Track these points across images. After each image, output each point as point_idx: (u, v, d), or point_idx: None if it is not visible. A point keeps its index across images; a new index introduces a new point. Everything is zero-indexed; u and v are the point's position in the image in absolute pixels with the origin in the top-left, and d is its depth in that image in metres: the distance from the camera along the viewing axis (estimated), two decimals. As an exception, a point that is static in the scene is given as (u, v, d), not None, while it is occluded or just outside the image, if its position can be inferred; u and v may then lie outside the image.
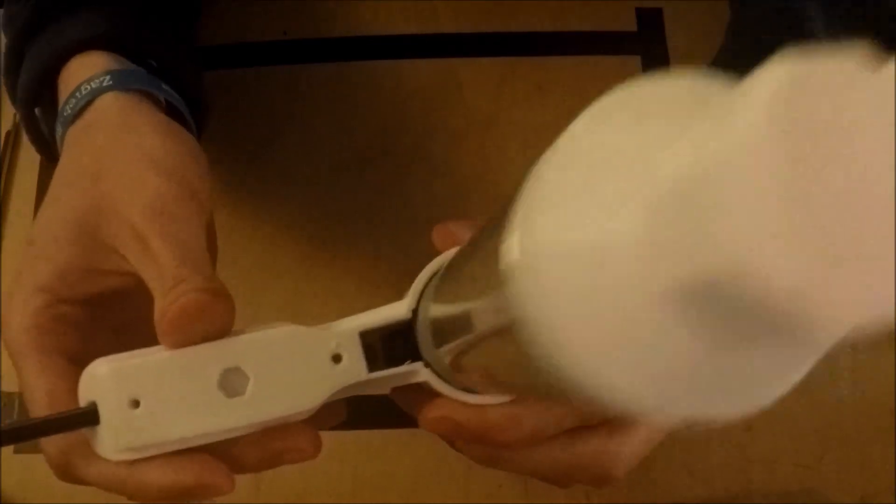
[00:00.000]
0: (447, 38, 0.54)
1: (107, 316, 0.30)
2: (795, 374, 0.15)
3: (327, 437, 0.47)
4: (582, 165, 0.14)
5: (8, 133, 0.51)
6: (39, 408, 0.27)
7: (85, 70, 0.33)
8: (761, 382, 0.15)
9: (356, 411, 0.48)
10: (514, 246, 0.14)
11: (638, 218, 0.12)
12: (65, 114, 0.33)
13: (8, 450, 0.45)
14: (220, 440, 0.26)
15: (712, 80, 0.14)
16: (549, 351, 0.14)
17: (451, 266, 0.25)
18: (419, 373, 0.27)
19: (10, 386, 0.47)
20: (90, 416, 0.25)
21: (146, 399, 0.25)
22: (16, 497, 0.45)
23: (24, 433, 0.26)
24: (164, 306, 0.25)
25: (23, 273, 0.29)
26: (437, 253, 0.29)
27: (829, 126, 0.11)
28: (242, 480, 0.45)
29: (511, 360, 0.18)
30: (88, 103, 0.33)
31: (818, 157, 0.10)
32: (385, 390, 0.29)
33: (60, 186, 0.31)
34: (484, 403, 0.26)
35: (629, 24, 0.54)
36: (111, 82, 0.32)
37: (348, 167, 0.51)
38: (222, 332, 0.26)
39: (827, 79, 0.11)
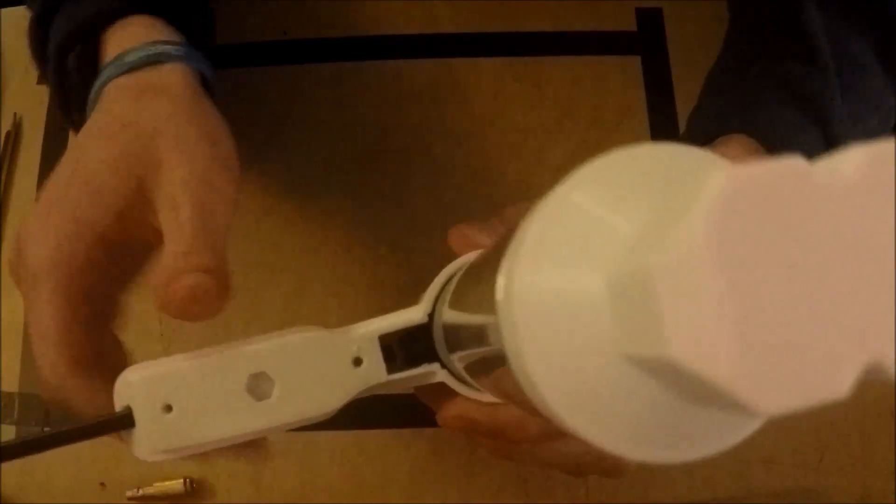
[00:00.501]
0: (447, 38, 0.54)
1: (124, 263, 0.31)
2: (751, 426, 0.16)
3: (327, 437, 0.47)
4: (562, 223, 0.15)
5: (8, 133, 0.51)
6: (44, 335, 0.27)
7: (147, 31, 0.34)
8: (721, 431, 0.16)
9: (356, 411, 0.48)
10: (500, 289, 0.16)
11: (602, 289, 0.14)
12: (125, 60, 0.33)
13: (8, 450, 0.45)
14: (247, 440, 0.28)
15: (692, 152, 0.15)
16: (528, 392, 0.15)
17: (463, 279, 0.26)
18: (436, 374, 0.28)
19: (10, 386, 0.47)
20: (126, 421, 0.27)
21: (178, 404, 0.26)
22: (16, 497, 0.45)
23: (63, 438, 0.27)
24: (171, 277, 0.27)
25: (61, 195, 0.29)
26: (442, 253, 0.29)
27: (768, 225, 0.12)
28: (243, 480, 0.45)
29: (510, 381, 0.19)
30: (154, 63, 0.33)
31: (755, 255, 0.12)
32: (404, 390, 0.30)
33: (117, 126, 0.31)
34: (497, 402, 0.28)
35: (629, 24, 0.54)
36: (182, 53, 0.33)
37: (348, 167, 0.51)
38: (209, 316, 0.27)
39: (766, 181, 0.12)
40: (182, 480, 0.44)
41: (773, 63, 0.41)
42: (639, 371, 0.14)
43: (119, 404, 0.27)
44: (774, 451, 0.46)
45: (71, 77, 0.36)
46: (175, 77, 0.32)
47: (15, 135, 0.51)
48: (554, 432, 0.28)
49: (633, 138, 0.55)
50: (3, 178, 0.50)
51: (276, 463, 0.45)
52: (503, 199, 0.50)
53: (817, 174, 0.12)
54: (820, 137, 0.38)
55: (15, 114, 0.52)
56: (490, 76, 0.53)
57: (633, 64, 0.53)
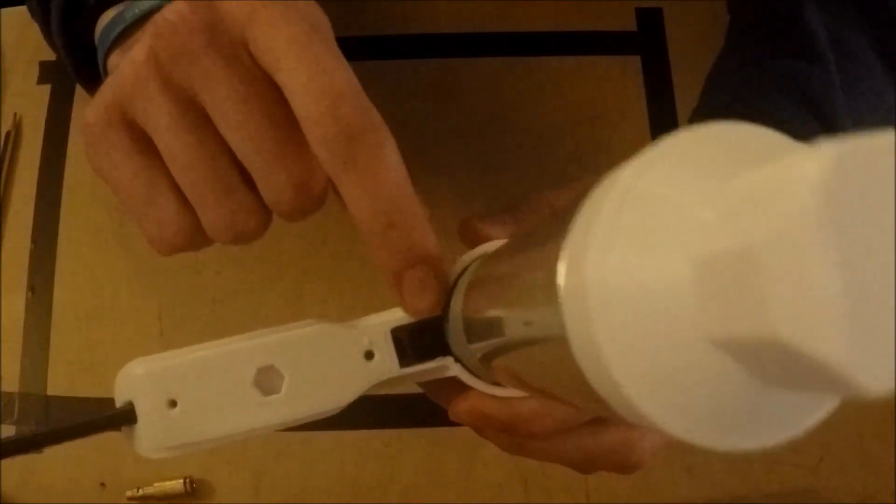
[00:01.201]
0: (447, 38, 0.54)
1: None
2: (833, 402, 0.16)
3: (327, 437, 0.47)
4: (632, 210, 0.14)
5: (8, 133, 0.51)
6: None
7: None
8: (803, 413, 0.16)
9: (356, 411, 0.48)
10: (564, 274, 0.15)
11: (688, 271, 0.13)
12: (124, 16, 0.29)
13: (8, 450, 0.45)
14: (255, 436, 0.27)
15: (757, 130, 0.15)
16: (596, 378, 0.15)
17: (489, 270, 0.25)
18: (449, 368, 0.27)
19: (9, 386, 0.47)
20: (128, 416, 0.26)
21: (183, 399, 0.25)
22: (16, 497, 0.45)
23: (64, 435, 0.26)
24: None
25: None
26: (444, 251, 0.29)
27: (872, 203, 0.11)
28: (243, 480, 0.45)
29: (550, 372, 0.18)
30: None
31: (861, 233, 0.11)
32: (416, 384, 0.29)
33: None
34: (511, 396, 0.27)
35: (629, 24, 0.54)
36: None
37: (348, 167, 0.51)
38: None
39: (870, 157, 0.12)
40: (182, 480, 0.44)
41: (775, 60, 0.41)
42: (721, 356, 0.13)
43: (120, 399, 0.26)
44: (774, 451, 0.46)
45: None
46: None
47: (15, 135, 0.51)
48: (569, 427, 0.28)
49: (633, 138, 0.56)
50: (3, 178, 0.50)
51: (276, 463, 0.45)
52: (503, 199, 0.50)
53: None
54: (822, 134, 0.38)
55: (15, 114, 0.52)
56: (490, 76, 0.53)
57: (633, 64, 0.53)
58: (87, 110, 0.26)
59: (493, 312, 0.22)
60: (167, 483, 0.44)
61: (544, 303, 0.16)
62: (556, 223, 0.16)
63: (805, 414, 0.15)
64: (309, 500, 0.45)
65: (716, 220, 0.13)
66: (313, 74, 0.23)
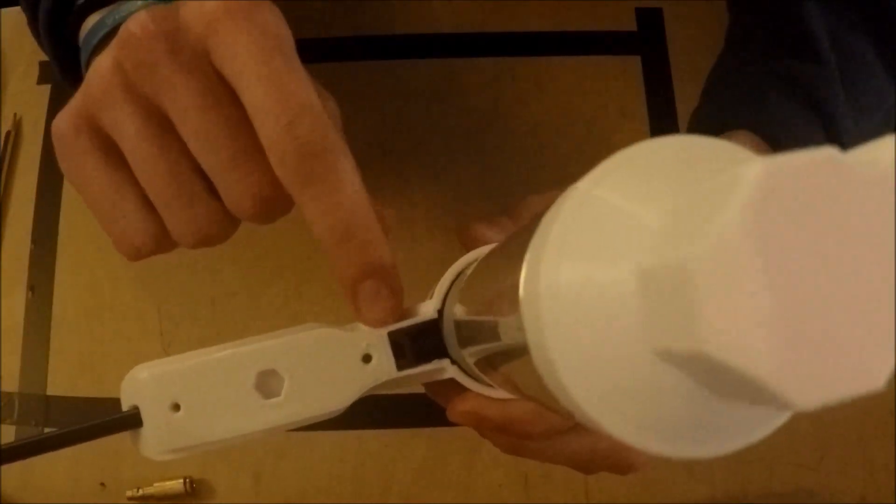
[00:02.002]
0: (447, 38, 0.54)
1: None
2: (778, 420, 0.16)
3: (327, 437, 0.47)
4: (587, 219, 0.15)
5: (8, 133, 0.51)
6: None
7: None
8: (754, 422, 0.16)
9: (356, 411, 0.48)
10: (523, 284, 0.16)
11: (631, 281, 0.13)
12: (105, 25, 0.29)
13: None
14: (256, 438, 0.27)
15: (714, 143, 0.15)
16: (552, 386, 0.15)
17: (476, 274, 0.26)
18: (446, 370, 0.28)
19: (9, 386, 0.47)
20: (133, 420, 0.26)
21: (186, 403, 0.26)
22: (16, 497, 0.45)
23: (69, 438, 0.26)
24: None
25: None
26: (442, 252, 0.29)
27: (804, 217, 0.12)
28: (243, 480, 0.45)
29: (525, 377, 0.19)
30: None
31: (792, 247, 0.12)
32: (415, 386, 0.30)
33: None
34: (508, 398, 0.28)
35: (629, 24, 0.54)
36: None
37: (348, 167, 0.51)
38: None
39: (801, 172, 0.12)
40: (182, 480, 0.44)
41: (775, 60, 0.41)
42: (668, 366, 0.14)
43: (126, 403, 0.27)
44: (774, 451, 0.46)
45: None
46: None
47: (15, 135, 0.51)
48: (564, 428, 0.28)
49: (633, 138, 0.55)
50: (3, 178, 0.50)
51: (276, 463, 0.45)
52: (503, 199, 0.50)
53: (852, 164, 0.12)
54: (822, 134, 0.38)
55: (15, 114, 0.52)
56: (490, 76, 0.53)
57: (633, 64, 0.53)
58: (57, 118, 0.27)
59: (476, 318, 0.23)
60: (167, 483, 0.44)
61: (512, 311, 0.16)
62: (528, 231, 0.17)
63: (757, 423, 0.16)
64: (309, 500, 0.45)
65: (661, 233, 0.13)
66: (272, 92, 0.23)
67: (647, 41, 0.54)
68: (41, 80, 0.53)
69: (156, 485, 0.44)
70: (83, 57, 0.31)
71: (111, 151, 0.26)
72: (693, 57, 0.53)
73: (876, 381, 0.12)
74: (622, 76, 0.53)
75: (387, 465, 0.45)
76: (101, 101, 0.25)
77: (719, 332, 0.11)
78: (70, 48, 0.33)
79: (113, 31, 0.29)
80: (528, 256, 0.16)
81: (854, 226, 0.12)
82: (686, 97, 0.52)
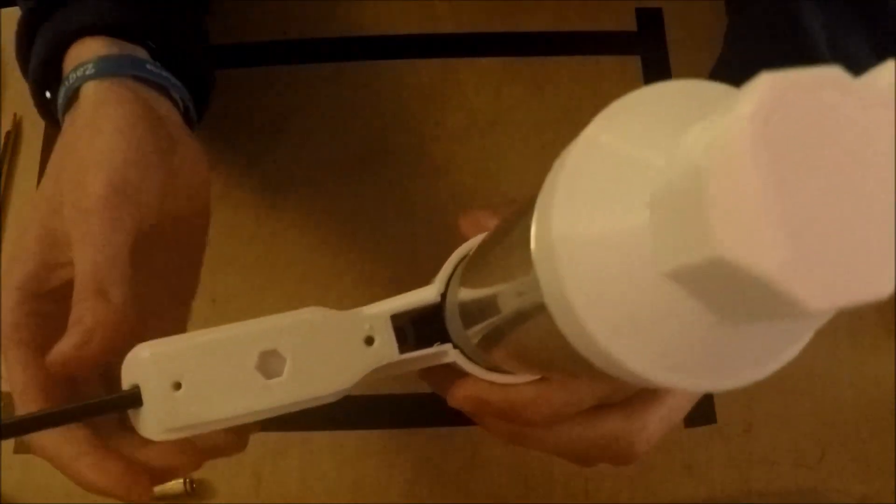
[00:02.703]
0: (447, 38, 0.54)
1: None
2: (796, 344, 0.16)
3: (327, 437, 0.47)
4: (594, 165, 0.15)
5: (8, 133, 0.51)
6: (20, 398, 0.29)
7: (81, 55, 0.34)
8: (765, 353, 0.16)
9: (356, 411, 0.48)
10: (535, 235, 0.16)
11: (642, 212, 0.14)
12: (58, 102, 0.34)
13: (8, 450, 0.45)
14: (256, 420, 0.27)
15: (714, 86, 0.16)
16: (570, 331, 0.15)
17: (479, 252, 0.26)
18: (448, 354, 0.28)
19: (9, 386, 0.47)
20: (133, 399, 0.26)
21: (188, 381, 0.26)
22: (16, 497, 0.45)
23: (69, 415, 0.26)
24: (64, 344, 0.28)
25: (4, 272, 0.31)
26: (442, 251, 0.29)
27: (809, 130, 0.12)
28: (243, 480, 0.45)
29: (537, 339, 0.19)
30: (76, 92, 0.33)
31: (799, 157, 0.12)
32: (415, 370, 0.30)
33: (46, 179, 0.32)
34: (509, 383, 0.28)
35: (629, 24, 0.54)
36: (93, 70, 0.33)
37: (348, 167, 0.51)
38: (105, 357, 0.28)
39: (807, 87, 0.12)
40: (182, 480, 0.44)
41: (772, 63, 0.41)
42: (681, 293, 0.14)
43: (127, 382, 0.27)
44: (774, 451, 0.46)
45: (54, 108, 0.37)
46: (81, 103, 0.33)
47: (15, 135, 0.51)
48: (565, 415, 0.28)
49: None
50: (3, 178, 0.50)
51: (276, 463, 0.45)
52: (503, 199, 0.50)
53: (856, 84, 0.13)
54: None
55: (15, 114, 0.52)
56: (490, 76, 0.53)
57: (633, 64, 0.53)
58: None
59: (482, 292, 0.23)
60: (167, 483, 0.44)
61: (523, 266, 0.17)
62: (530, 200, 0.17)
63: (769, 354, 0.16)
64: (309, 500, 0.45)
65: (668, 165, 0.14)
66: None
67: (647, 41, 0.54)
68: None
69: (156, 485, 0.44)
70: (61, 103, 0.35)
71: None
72: (693, 57, 0.53)
73: (884, 287, 0.12)
74: (622, 76, 0.53)
75: (387, 465, 0.45)
76: None
77: (731, 236, 0.12)
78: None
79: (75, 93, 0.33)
80: (536, 213, 0.16)
81: (857, 140, 0.12)
82: (686, 97, 0.52)
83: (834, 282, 0.12)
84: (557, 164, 0.16)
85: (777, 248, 0.12)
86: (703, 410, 0.46)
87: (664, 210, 0.13)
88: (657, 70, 0.53)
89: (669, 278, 0.14)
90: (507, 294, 0.20)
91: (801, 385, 0.47)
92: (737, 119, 0.12)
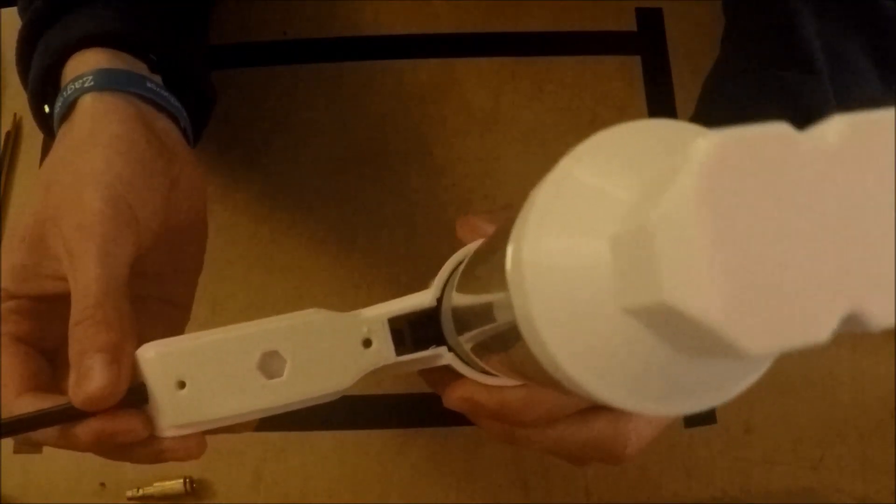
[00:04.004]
0: (447, 38, 0.54)
1: (63, 309, 0.31)
2: (754, 373, 0.17)
3: (327, 437, 0.47)
4: (566, 196, 0.16)
5: (8, 133, 0.51)
6: (4, 391, 0.29)
7: (80, 67, 0.34)
8: (723, 380, 0.17)
9: (356, 411, 0.48)
10: (509, 258, 0.17)
11: (605, 249, 0.15)
12: (55, 113, 0.34)
13: (8, 450, 0.45)
14: (257, 417, 0.28)
15: (686, 127, 0.17)
16: (538, 353, 0.16)
17: (471, 261, 0.27)
18: (443, 356, 0.29)
19: None
20: (140, 396, 0.27)
21: (191, 380, 0.27)
22: (16, 497, 0.45)
23: (76, 413, 0.27)
24: (73, 373, 0.27)
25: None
26: (442, 251, 0.30)
27: (755, 185, 0.13)
28: (243, 480, 0.45)
29: (516, 353, 0.20)
30: (73, 103, 0.33)
31: (743, 211, 0.13)
32: (412, 372, 0.31)
33: (35, 187, 0.32)
34: (503, 385, 0.28)
35: (629, 24, 0.54)
36: (92, 83, 0.32)
37: (348, 167, 0.51)
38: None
39: (754, 144, 0.13)
40: (182, 480, 0.44)
41: (768, 71, 0.41)
42: (639, 325, 0.15)
43: (133, 381, 0.28)
44: (774, 451, 0.46)
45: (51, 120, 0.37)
46: (77, 116, 0.33)
47: (15, 135, 0.51)
48: (556, 416, 0.29)
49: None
50: (3, 178, 0.50)
51: (276, 463, 0.45)
52: (503, 199, 0.50)
53: (802, 139, 0.13)
54: None
55: (15, 114, 0.52)
56: (490, 76, 0.53)
57: (633, 64, 0.53)
58: None
59: (472, 302, 0.24)
60: (167, 483, 0.44)
61: (502, 288, 0.18)
62: (514, 217, 0.18)
63: (727, 382, 0.17)
64: (309, 500, 0.45)
65: (631, 204, 0.15)
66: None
67: (647, 41, 0.54)
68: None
69: (156, 485, 0.44)
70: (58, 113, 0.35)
71: None
72: (693, 57, 0.53)
73: (821, 333, 0.13)
74: (622, 76, 0.53)
75: (387, 465, 0.45)
76: None
77: (676, 285, 0.13)
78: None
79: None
80: (513, 233, 0.17)
81: (802, 195, 0.13)
82: (686, 97, 0.52)
83: (771, 327, 0.13)
84: (534, 190, 0.17)
85: (717, 297, 0.12)
86: (703, 410, 0.46)
87: (622, 252, 0.14)
88: (657, 70, 0.53)
89: (628, 312, 0.15)
90: (491, 307, 0.20)
91: (801, 385, 0.47)
92: (684, 176, 0.13)
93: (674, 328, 0.14)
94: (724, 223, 0.13)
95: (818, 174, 0.13)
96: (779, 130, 0.13)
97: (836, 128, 0.13)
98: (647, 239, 0.13)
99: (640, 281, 0.13)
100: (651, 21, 0.54)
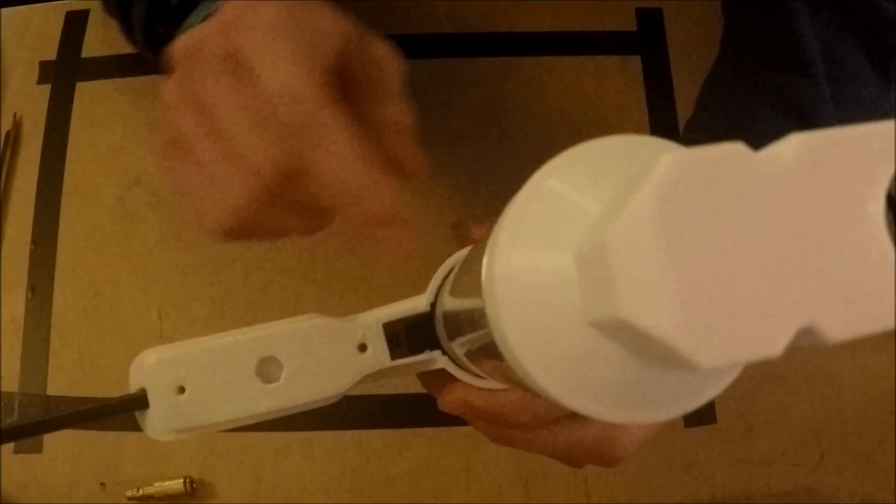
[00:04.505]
0: (447, 38, 0.54)
1: None
2: (723, 380, 0.17)
3: (327, 437, 0.47)
4: (536, 209, 0.17)
5: (8, 133, 0.51)
6: (352, 157, 0.27)
7: None
8: (694, 387, 0.17)
9: (356, 411, 0.48)
10: (485, 268, 0.17)
11: (570, 263, 0.15)
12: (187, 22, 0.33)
13: (8, 450, 0.45)
14: (255, 422, 0.29)
15: (661, 145, 0.17)
16: (510, 360, 0.17)
17: (460, 269, 0.27)
18: (437, 360, 0.29)
19: (10, 386, 0.47)
20: (141, 402, 0.28)
21: (191, 385, 0.28)
22: (16, 497, 0.45)
23: (79, 417, 0.27)
24: None
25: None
26: (442, 252, 0.30)
27: (710, 203, 0.13)
28: (243, 480, 0.45)
29: (497, 359, 0.20)
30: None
31: (698, 229, 0.13)
32: (408, 375, 0.31)
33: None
34: (496, 388, 0.29)
35: (629, 24, 0.54)
36: None
37: (348, 167, 0.51)
38: None
39: (709, 163, 0.13)
40: (182, 480, 0.44)
41: (765, 73, 0.41)
42: (603, 337, 0.15)
43: (134, 386, 0.28)
44: (774, 451, 0.46)
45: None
46: None
47: (15, 135, 0.51)
48: (549, 419, 0.29)
49: (633, 138, 0.55)
50: (4, 178, 0.50)
51: (276, 463, 0.45)
52: (502, 199, 0.50)
53: (758, 158, 0.13)
54: None
55: (15, 114, 0.52)
56: (490, 76, 0.53)
57: (633, 64, 0.53)
58: (155, 141, 0.31)
59: (459, 308, 0.24)
60: (167, 483, 0.44)
61: (478, 296, 0.18)
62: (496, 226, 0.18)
63: (697, 388, 0.17)
64: (309, 500, 0.45)
65: (596, 219, 0.15)
66: (270, 84, 0.27)
67: (647, 41, 0.54)
68: (41, 80, 0.53)
69: (156, 485, 0.44)
70: None
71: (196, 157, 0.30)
72: (693, 57, 0.53)
73: (774, 347, 0.13)
74: (622, 76, 0.53)
75: (387, 465, 0.45)
76: (170, 117, 0.30)
77: (630, 300, 0.13)
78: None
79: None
80: (488, 246, 0.18)
81: (756, 212, 0.13)
82: (686, 97, 0.52)
83: (724, 341, 0.13)
84: (509, 204, 0.17)
85: (670, 312, 0.13)
86: (703, 410, 0.46)
87: (584, 267, 0.15)
88: (657, 70, 0.53)
89: (592, 324, 0.15)
90: (476, 314, 0.21)
91: (801, 385, 0.47)
92: (638, 195, 0.13)
93: (635, 341, 0.14)
94: (677, 239, 0.13)
95: (773, 192, 0.13)
96: (735, 150, 0.13)
97: (792, 146, 0.13)
98: (604, 254, 0.13)
99: (600, 295, 0.14)
100: (651, 21, 0.54)
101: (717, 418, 0.46)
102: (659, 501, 0.45)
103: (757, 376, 0.47)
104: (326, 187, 0.27)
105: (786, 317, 0.13)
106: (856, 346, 0.48)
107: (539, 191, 0.17)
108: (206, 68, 0.28)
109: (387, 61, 0.33)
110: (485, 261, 0.17)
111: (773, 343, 0.13)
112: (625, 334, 0.14)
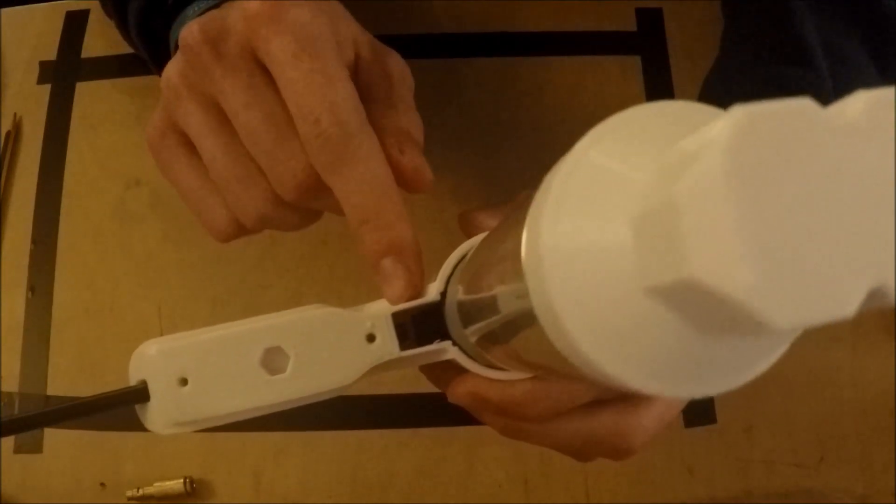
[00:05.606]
0: (447, 38, 0.54)
1: None
2: (772, 354, 0.17)
3: (327, 437, 0.47)
4: (583, 179, 0.16)
5: (8, 133, 0.51)
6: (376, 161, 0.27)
7: None
8: (743, 362, 0.17)
9: (356, 411, 0.48)
10: (525, 244, 0.17)
11: (626, 231, 0.15)
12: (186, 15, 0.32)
13: (8, 450, 0.45)
14: (260, 414, 0.28)
15: (703, 108, 0.17)
16: (557, 338, 0.16)
17: (477, 254, 0.27)
18: (447, 351, 0.28)
19: (10, 386, 0.47)
20: (141, 394, 0.27)
21: (193, 377, 0.27)
22: (16, 497, 0.45)
23: (78, 410, 0.27)
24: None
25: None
26: (442, 250, 0.30)
27: (780, 159, 0.13)
28: (243, 480, 0.45)
29: (529, 343, 0.20)
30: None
31: (770, 186, 0.13)
32: (416, 367, 0.30)
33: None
34: (507, 379, 0.28)
35: (629, 24, 0.54)
36: None
37: (348, 167, 0.51)
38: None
39: (778, 118, 0.13)
40: (182, 480, 0.44)
41: (767, 67, 0.41)
42: (661, 306, 0.15)
43: (134, 378, 0.27)
44: (774, 451, 0.46)
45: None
46: None
47: (15, 135, 0.51)
48: (561, 410, 0.29)
49: (633, 138, 0.55)
50: (3, 178, 0.50)
51: (276, 463, 0.45)
52: (503, 199, 0.50)
53: (825, 114, 0.13)
54: None
55: (15, 114, 0.52)
56: (490, 76, 0.53)
57: (633, 64, 0.53)
58: (148, 124, 0.30)
59: (479, 293, 0.24)
60: (167, 483, 0.44)
61: (515, 273, 0.17)
62: (524, 205, 0.18)
63: (746, 363, 0.17)
64: (309, 500, 0.45)
65: (651, 184, 0.15)
66: (301, 91, 0.26)
67: (647, 41, 0.54)
68: (41, 80, 0.53)
69: (156, 485, 0.44)
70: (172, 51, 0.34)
71: (193, 149, 0.29)
72: (693, 57, 0.53)
73: (847, 308, 0.13)
74: (622, 76, 0.53)
75: (387, 465, 0.45)
76: (175, 104, 0.29)
77: (704, 260, 0.13)
78: (159, 44, 0.36)
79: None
80: (528, 222, 0.17)
81: (827, 167, 0.13)
82: (686, 97, 0.52)
83: (799, 302, 0.12)
84: (549, 174, 0.17)
85: (745, 271, 0.12)
86: (703, 410, 0.46)
87: (645, 231, 0.14)
88: (657, 70, 0.53)
89: (650, 293, 0.14)
90: (501, 298, 0.20)
91: (801, 385, 0.47)
92: (710, 151, 0.13)
93: (698, 306, 0.14)
94: (751, 197, 0.13)
95: (843, 148, 0.13)
96: (803, 105, 0.13)
97: (856, 103, 0.13)
98: (673, 214, 0.13)
99: (666, 258, 0.13)
100: (651, 21, 0.54)
101: (717, 418, 0.46)
102: (659, 501, 0.45)
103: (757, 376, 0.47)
104: (355, 208, 0.27)
105: (858, 277, 0.13)
106: (856, 346, 0.48)
107: (584, 160, 0.16)
108: (225, 61, 0.27)
109: (398, 72, 0.32)
110: (525, 235, 0.17)
111: (846, 303, 0.13)
112: (689, 299, 0.14)
